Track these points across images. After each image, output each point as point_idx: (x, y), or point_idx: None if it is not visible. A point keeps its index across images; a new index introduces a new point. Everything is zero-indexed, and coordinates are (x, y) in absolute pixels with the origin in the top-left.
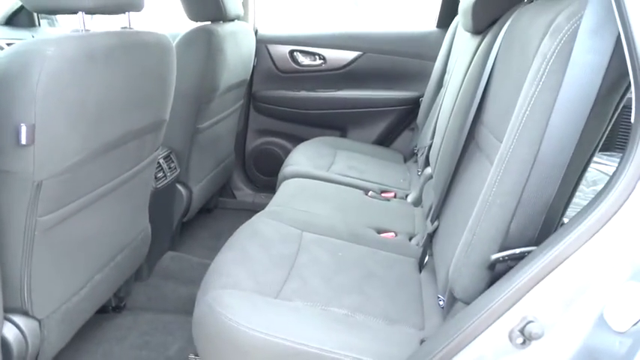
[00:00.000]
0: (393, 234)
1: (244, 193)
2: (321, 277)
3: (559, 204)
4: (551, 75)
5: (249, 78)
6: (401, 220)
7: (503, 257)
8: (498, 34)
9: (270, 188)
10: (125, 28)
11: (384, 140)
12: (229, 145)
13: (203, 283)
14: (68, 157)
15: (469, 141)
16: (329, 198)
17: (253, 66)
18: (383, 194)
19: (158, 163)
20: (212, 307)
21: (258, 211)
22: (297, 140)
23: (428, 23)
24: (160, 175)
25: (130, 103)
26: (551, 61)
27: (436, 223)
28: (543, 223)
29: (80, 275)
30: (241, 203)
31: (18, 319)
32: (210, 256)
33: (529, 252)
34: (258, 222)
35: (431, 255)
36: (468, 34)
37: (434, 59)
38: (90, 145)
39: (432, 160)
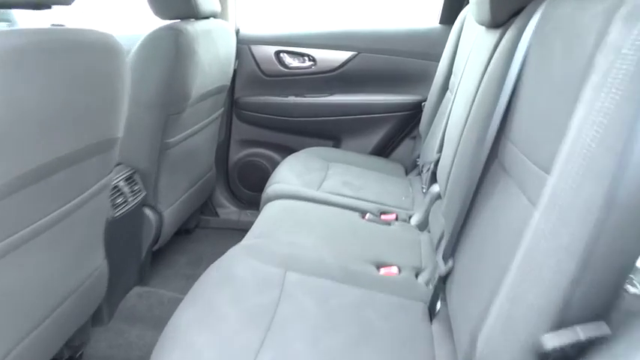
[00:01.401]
0: (395, 269)
1: (228, 210)
2: (306, 339)
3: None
4: (632, 78)
5: (229, 83)
6: (405, 251)
7: (561, 346)
8: (525, 26)
9: (257, 205)
10: (55, 25)
11: (383, 150)
12: (208, 158)
13: (154, 352)
14: None
15: (491, 159)
16: (319, 224)
17: (234, 69)
18: (382, 216)
19: (116, 186)
20: None
21: (243, 231)
22: (286, 151)
23: (430, 19)
24: (120, 200)
25: (61, 119)
26: (629, 57)
27: (450, 263)
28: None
29: (8, 335)
30: (225, 222)
31: None
32: (185, 288)
33: (601, 338)
34: (231, 260)
35: (444, 300)
36: (482, 29)
37: (437, 59)
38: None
39: (440, 177)
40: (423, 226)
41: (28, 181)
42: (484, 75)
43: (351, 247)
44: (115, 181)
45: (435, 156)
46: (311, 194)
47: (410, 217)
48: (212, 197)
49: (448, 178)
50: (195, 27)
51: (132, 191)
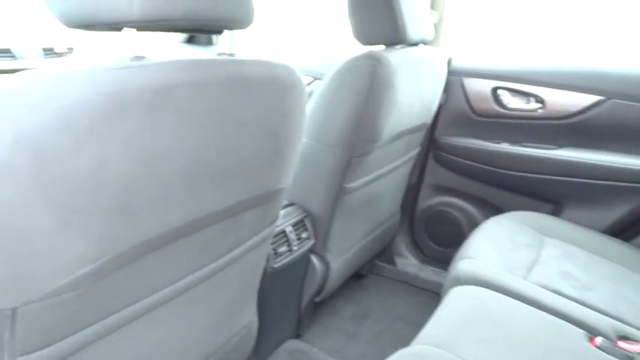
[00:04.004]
0: None
1: (407, 262)
2: None
3: None
4: None
5: (430, 121)
6: None
7: None
8: None
9: (442, 262)
10: (222, 54)
11: (624, 231)
12: (393, 204)
13: None
14: (66, 271)
15: None
16: (523, 341)
17: (439, 104)
18: (622, 343)
19: (283, 231)
20: None
21: (421, 289)
22: (487, 207)
23: None
24: (284, 249)
25: (208, 173)
26: None
27: None
28: None
29: None
30: (402, 274)
31: None
32: (344, 349)
33: None
34: None
35: None
36: None
37: None
38: (115, 246)
39: None
40: None
41: (173, 237)
42: None
43: None
44: (282, 226)
45: None
46: (516, 286)
47: None
48: (392, 243)
49: None
50: (399, 55)
51: (299, 238)
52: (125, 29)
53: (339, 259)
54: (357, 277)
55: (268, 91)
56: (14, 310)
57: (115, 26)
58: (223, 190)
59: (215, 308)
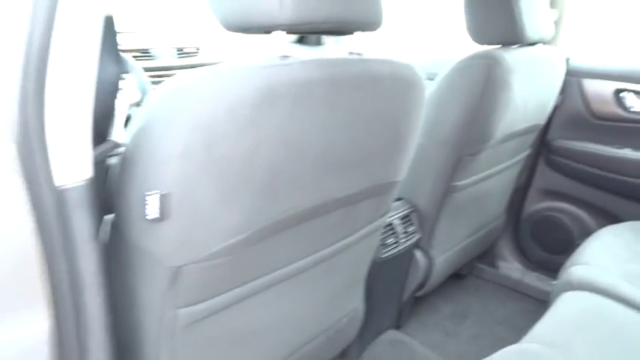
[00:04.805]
0: None
1: (510, 266)
2: None
3: None
4: None
5: (544, 122)
6: None
7: None
8: None
9: (548, 269)
10: (352, 53)
11: None
12: (499, 205)
13: None
14: (222, 238)
15: None
16: (638, 353)
17: (555, 105)
18: None
19: (390, 224)
20: None
21: (524, 294)
22: (601, 215)
23: None
24: (391, 241)
25: (336, 162)
26: None
27: None
28: None
29: None
30: (504, 278)
31: None
32: (442, 346)
33: None
34: None
35: None
36: None
37: None
38: (260, 220)
39: None
40: None
41: (296, 220)
42: None
43: None
44: (391, 219)
45: None
46: (632, 295)
47: None
48: (494, 246)
49: None
50: (516, 55)
51: (405, 232)
52: (275, 32)
53: (442, 256)
54: (457, 277)
55: (392, 88)
56: (179, 269)
57: (268, 29)
58: (347, 179)
59: (329, 289)
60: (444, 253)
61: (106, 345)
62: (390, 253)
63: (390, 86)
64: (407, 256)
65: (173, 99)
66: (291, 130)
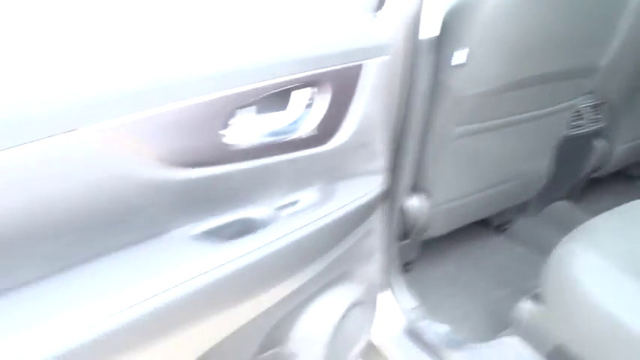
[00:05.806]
0: None
1: None
2: None
3: None
4: None
5: None
6: None
7: None
8: None
9: None
10: None
11: None
12: None
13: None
14: (490, 82)
15: None
16: None
17: None
18: None
19: (579, 110)
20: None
21: None
22: None
23: None
24: (578, 122)
25: (562, 43)
26: None
27: None
28: None
29: (469, 185)
30: None
31: (418, 197)
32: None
33: None
34: None
35: None
36: None
37: None
38: (511, 75)
39: None
40: None
41: (528, 82)
42: None
43: None
44: (583, 105)
45: None
46: None
47: None
48: None
49: None
50: None
51: (591, 119)
52: None
53: (624, 145)
54: (628, 178)
55: None
56: (464, 97)
57: None
58: (568, 56)
59: (529, 144)
60: (627, 143)
61: (415, 145)
62: (575, 133)
63: None
64: (587, 142)
65: None
66: (545, 18)
